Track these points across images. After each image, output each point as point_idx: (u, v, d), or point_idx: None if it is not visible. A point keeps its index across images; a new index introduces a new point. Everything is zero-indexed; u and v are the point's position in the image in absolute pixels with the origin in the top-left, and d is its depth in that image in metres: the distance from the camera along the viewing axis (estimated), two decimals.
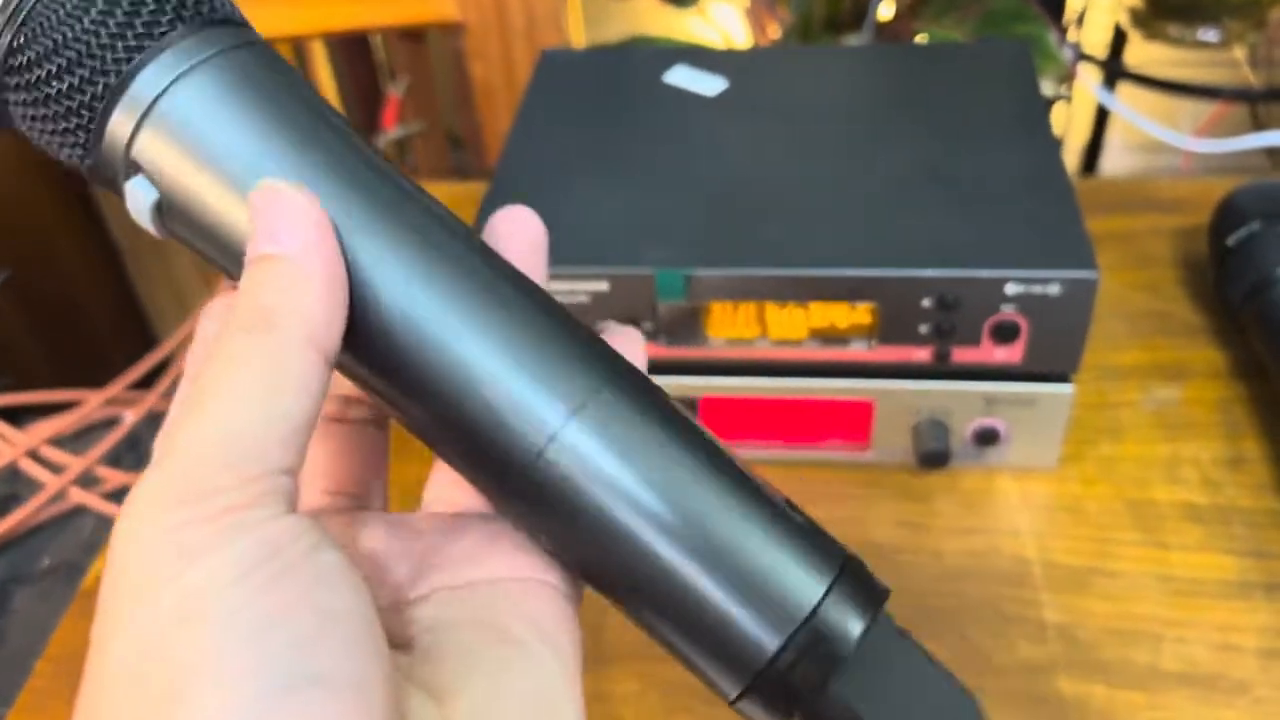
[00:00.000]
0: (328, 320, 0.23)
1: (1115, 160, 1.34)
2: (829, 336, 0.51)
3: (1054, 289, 0.48)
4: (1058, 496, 0.54)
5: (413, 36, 0.99)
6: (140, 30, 0.24)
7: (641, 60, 0.66)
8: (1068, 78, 0.93)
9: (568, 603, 0.26)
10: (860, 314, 0.50)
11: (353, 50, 1.10)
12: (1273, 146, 1.04)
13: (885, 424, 0.54)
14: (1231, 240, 0.60)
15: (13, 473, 0.66)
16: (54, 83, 0.24)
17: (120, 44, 0.24)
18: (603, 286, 0.51)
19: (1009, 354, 0.51)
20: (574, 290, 0.51)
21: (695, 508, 0.23)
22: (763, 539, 0.23)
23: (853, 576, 0.23)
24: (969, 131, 0.57)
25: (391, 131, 1.04)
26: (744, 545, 0.23)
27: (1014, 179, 0.53)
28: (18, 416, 0.69)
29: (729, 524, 0.23)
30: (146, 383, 0.74)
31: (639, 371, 0.25)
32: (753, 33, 1.04)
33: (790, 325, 0.51)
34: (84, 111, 0.24)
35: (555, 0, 0.87)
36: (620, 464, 0.23)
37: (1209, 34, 1.03)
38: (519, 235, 0.27)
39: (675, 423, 0.24)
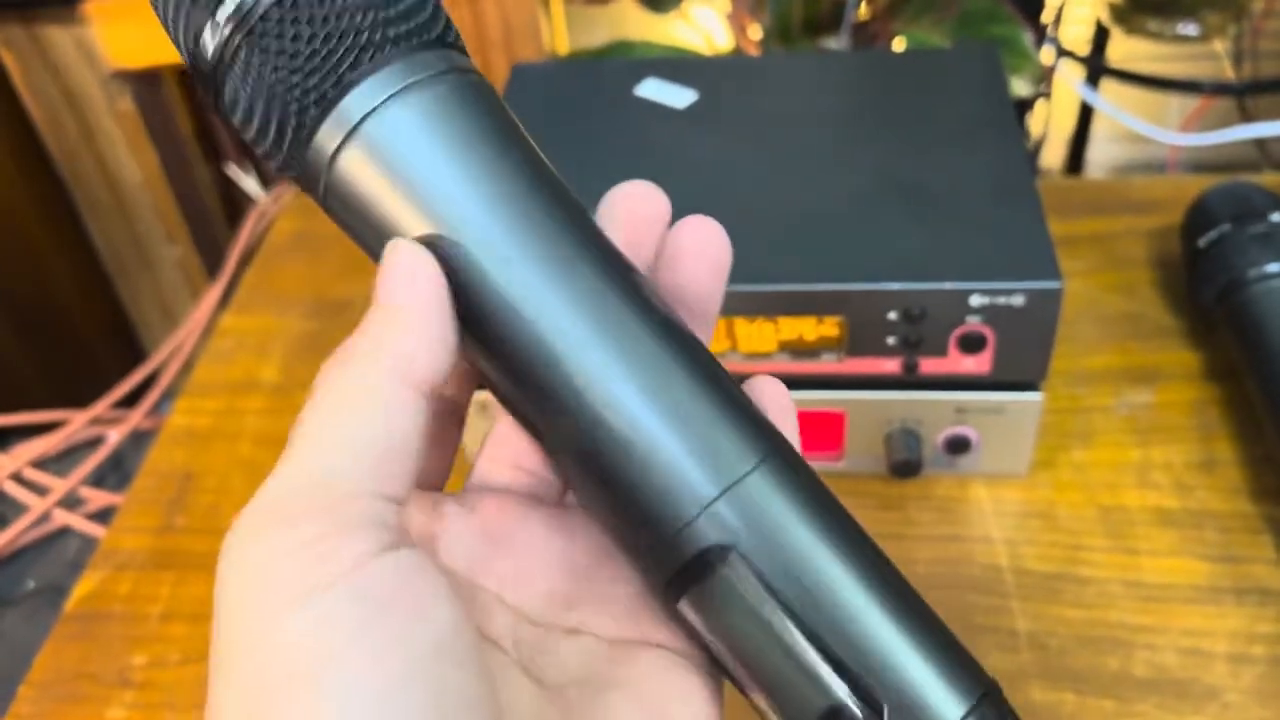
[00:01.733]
0: (415, 352, 0.23)
1: (1101, 154, 1.34)
2: (798, 349, 0.52)
3: (1018, 300, 0.48)
4: (1029, 503, 0.55)
5: None
6: (389, 38, 0.24)
7: (613, 73, 0.66)
8: (1045, 77, 0.93)
9: (719, 690, 0.26)
10: (828, 327, 0.51)
11: None
12: (1261, 138, 1.04)
13: (857, 434, 0.54)
14: (1202, 242, 0.60)
15: None
16: (307, 48, 0.24)
17: (366, 46, 0.24)
18: None
19: (977, 364, 0.51)
20: None
21: (851, 620, 0.23)
22: (916, 654, 0.23)
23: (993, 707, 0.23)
24: (937, 140, 0.57)
25: None
26: (898, 661, 0.23)
27: (980, 188, 0.53)
28: (2, 438, 0.70)
29: (886, 643, 0.23)
30: (132, 400, 0.75)
31: (791, 450, 0.25)
32: (734, 35, 1.04)
33: (759, 339, 0.52)
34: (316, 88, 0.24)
35: (532, 11, 0.87)
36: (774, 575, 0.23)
37: (1188, 28, 1.03)
38: (703, 254, 0.27)
39: (827, 514, 0.24)
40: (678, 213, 0.54)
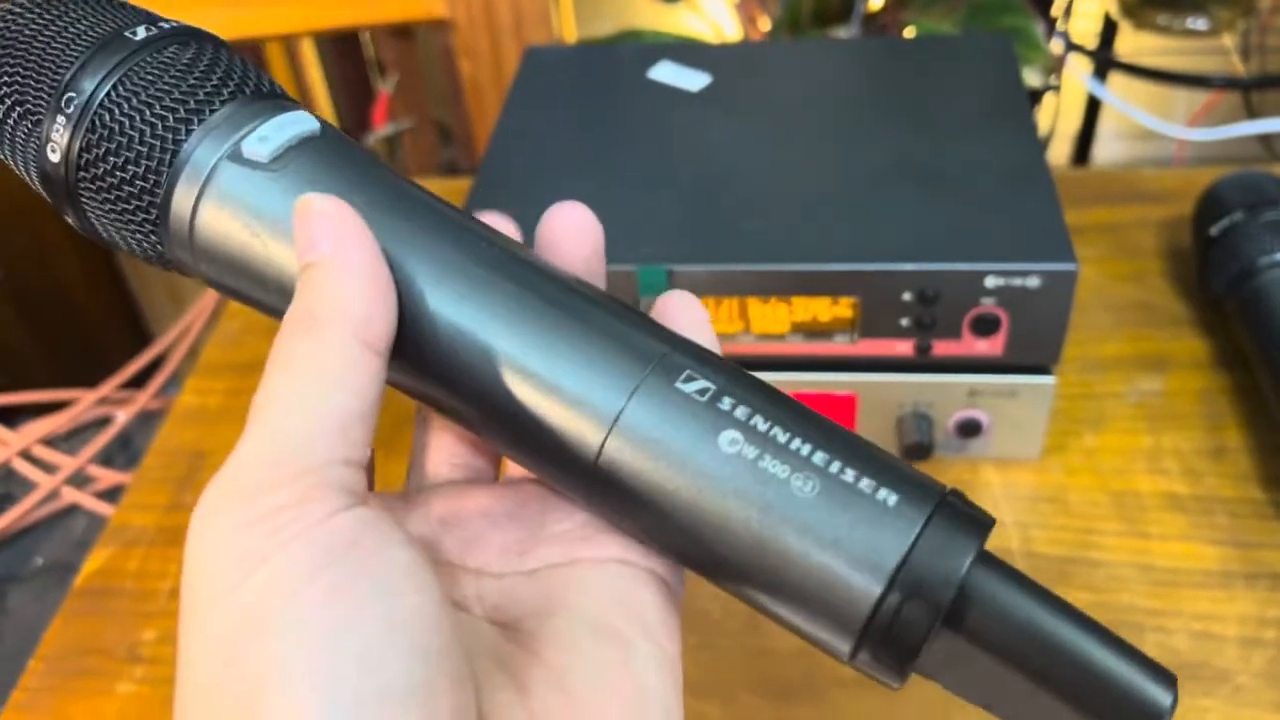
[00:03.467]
0: (369, 313, 0.23)
1: (1108, 148, 1.34)
2: (811, 331, 0.52)
3: (1033, 282, 0.48)
4: (1041, 487, 0.55)
5: (402, 34, 1.00)
6: (193, 107, 0.26)
7: (626, 56, 0.66)
8: (1056, 68, 0.93)
9: (672, 596, 0.26)
10: (842, 308, 0.51)
11: (342, 48, 1.10)
12: (1267, 134, 1.04)
13: (869, 416, 0.54)
14: (1214, 231, 0.60)
15: (6, 472, 0.66)
16: (120, 172, 0.26)
17: (176, 124, 0.26)
18: None
19: (990, 346, 0.51)
20: None
21: (776, 475, 0.22)
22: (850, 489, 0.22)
23: (951, 511, 0.22)
24: (950, 125, 0.57)
25: (382, 129, 1.04)
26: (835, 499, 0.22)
27: (994, 172, 0.53)
28: (11, 416, 0.70)
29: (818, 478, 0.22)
30: (139, 381, 0.75)
31: (689, 341, 0.25)
32: (743, 25, 1.04)
33: (773, 320, 0.52)
34: (151, 192, 0.26)
35: None
36: (681, 444, 0.23)
37: (1197, 22, 1.03)
38: (575, 239, 0.28)
39: (739, 378, 0.24)
40: (692, 195, 0.54)
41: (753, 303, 0.51)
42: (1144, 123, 0.99)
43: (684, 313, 0.27)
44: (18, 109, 0.27)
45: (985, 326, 0.50)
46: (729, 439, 0.23)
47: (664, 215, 0.53)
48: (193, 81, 0.26)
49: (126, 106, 0.26)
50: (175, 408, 0.64)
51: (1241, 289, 0.58)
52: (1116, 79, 1.15)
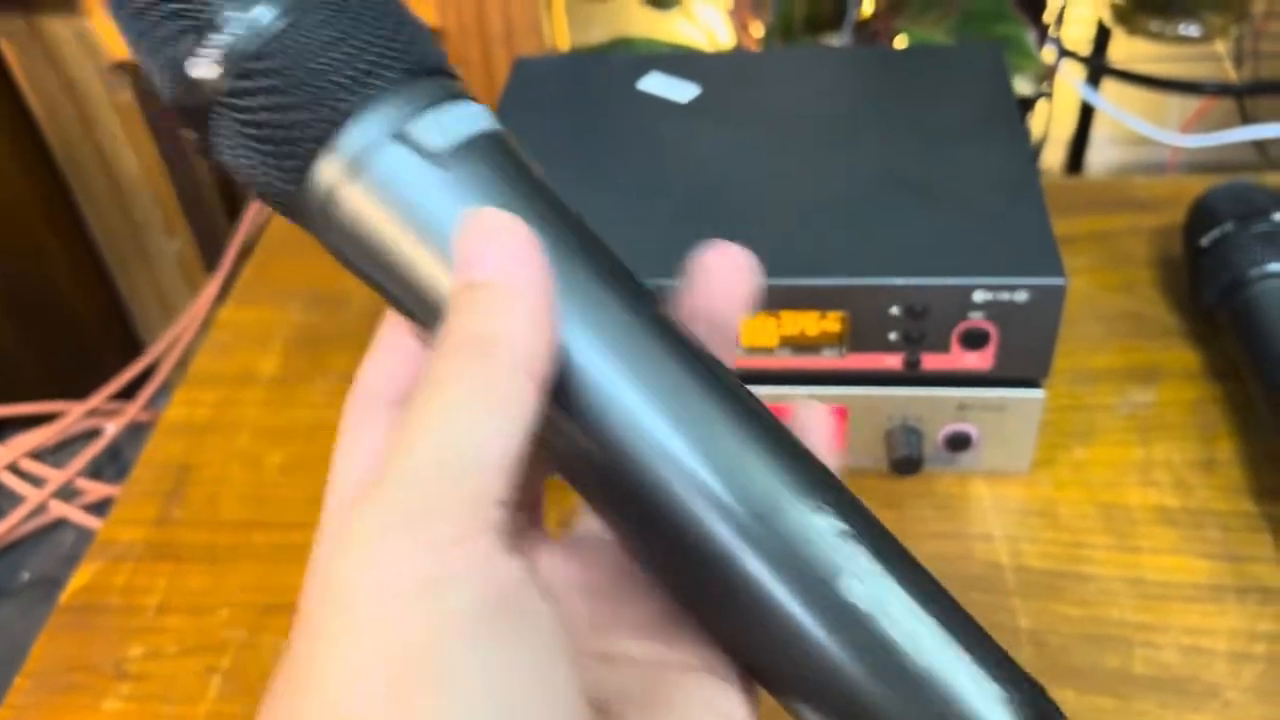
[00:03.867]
0: (538, 347, 0.22)
1: (1102, 155, 1.34)
2: (800, 344, 0.52)
3: (1021, 296, 0.48)
4: (1030, 500, 0.55)
5: None
6: (372, 64, 0.23)
7: (616, 67, 0.66)
8: (1048, 76, 0.93)
9: (754, 701, 0.25)
10: (830, 322, 0.50)
11: None
12: (1261, 140, 1.04)
13: (858, 430, 0.54)
14: (1205, 241, 0.60)
15: None
16: (275, 112, 0.23)
17: (352, 76, 0.23)
18: None
19: (979, 360, 0.51)
20: None
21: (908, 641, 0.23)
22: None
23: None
24: (940, 136, 0.57)
25: None
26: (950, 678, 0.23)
27: (984, 184, 0.53)
28: None
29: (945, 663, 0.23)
30: (130, 392, 0.74)
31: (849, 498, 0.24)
32: (736, 32, 1.04)
33: (761, 333, 0.51)
34: (299, 142, 0.24)
35: (535, 6, 0.87)
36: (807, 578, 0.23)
37: (1190, 29, 1.03)
38: (736, 289, 0.27)
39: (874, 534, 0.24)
40: (680, 208, 0.53)
41: None
42: (1137, 129, 0.99)
43: (813, 431, 0.26)
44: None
45: (974, 340, 0.50)
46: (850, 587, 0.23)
47: (651, 228, 0.53)
48: (380, 33, 0.24)
49: (306, 39, 0.23)
50: (163, 420, 0.64)
51: (1233, 300, 0.57)
52: (1110, 85, 1.15)
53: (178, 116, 0.25)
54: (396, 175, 0.23)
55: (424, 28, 0.25)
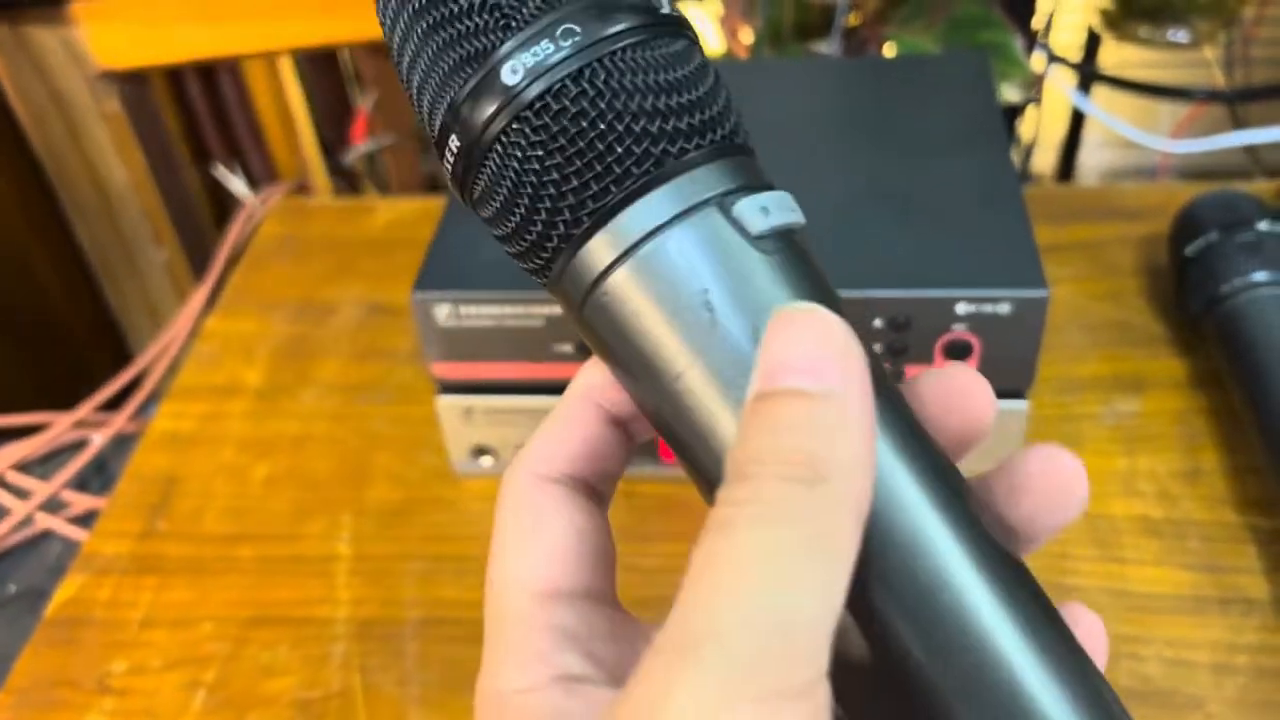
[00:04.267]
0: (869, 486, 0.19)
1: (1094, 158, 1.34)
2: None
3: (1004, 308, 0.48)
4: None
5: (380, 50, 0.99)
6: (692, 125, 0.22)
7: None
8: (1036, 83, 0.93)
9: None
10: None
11: (321, 65, 1.10)
12: (1251, 145, 1.04)
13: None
14: (1190, 250, 0.60)
15: None
16: (571, 158, 0.21)
17: (668, 132, 0.21)
18: (559, 310, 0.51)
19: None
20: (529, 315, 0.51)
21: None
22: None
23: None
24: (924, 147, 0.57)
25: (361, 145, 1.04)
26: None
27: (967, 196, 0.53)
28: None
29: None
30: (118, 402, 0.74)
31: None
32: (725, 39, 1.04)
33: None
34: (591, 197, 0.21)
35: None
36: None
37: (1179, 34, 1.03)
38: (1057, 496, 0.23)
39: None
40: None
41: None
42: (1127, 135, 0.99)
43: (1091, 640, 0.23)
44: (477, 17, 0.21)
45: (957, 352, 0.50)
46: None
47: None
48: (694, 96, 0.22)
49: (622, 83, 0.21)
50: (149, 432, 0.64)
51: (1217, 309, 0.57)
52: (1100, 91, 1.15)
53: (438, 145, 0.23)
54: (713, 243, 0.21)
55: (730, 97, 0.23)
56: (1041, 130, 1.12)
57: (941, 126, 0.59)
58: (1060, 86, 1.09)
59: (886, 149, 0.57)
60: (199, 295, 0.78)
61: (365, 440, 0.62)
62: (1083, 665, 0.21)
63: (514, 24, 0.21)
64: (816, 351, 0.19)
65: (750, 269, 0.21)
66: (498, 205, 0.23)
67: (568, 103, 0.21)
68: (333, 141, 1.08)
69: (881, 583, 0.20)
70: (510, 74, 0.21)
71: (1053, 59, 1.01)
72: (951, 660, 0.20)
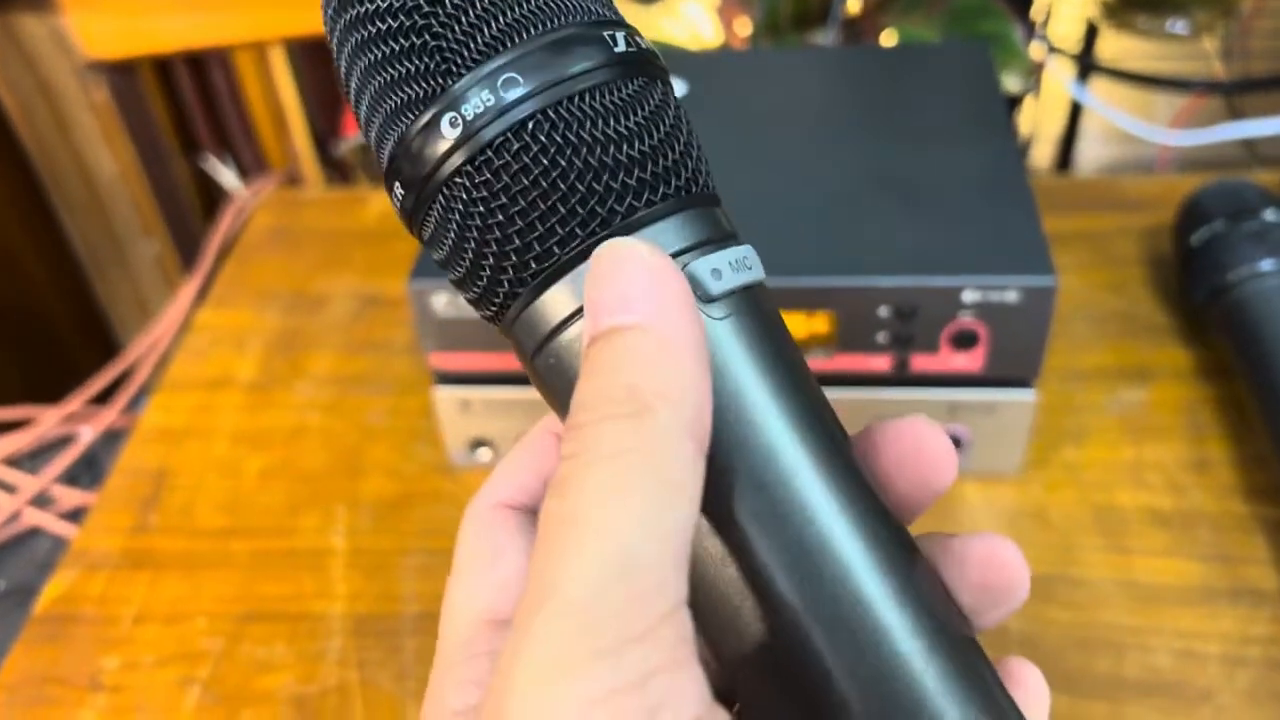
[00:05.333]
0: (701, 403, 0.18)
1: (1091, 151, 1.33)
2: None
3: (1012, 296, 0.48)
4: (1022, 502, 0.54)
5: None
6: (644, 179, 0.21)
7: None
8: (1035, 73, 0.92)
9: None
10: (818, 323, 0.50)
11: (312, 55, 1.09)
12: (1249, 137, 1.03)
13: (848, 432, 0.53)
14: (1195, 240, 0.59)
15: None
16: (519, 210, 0.20)
17: (626, 187, 0.20)
18: None
19: (969, 361, 0.50)
20: None
21: None
22: None
23: None
24: (928, 135, 0.56)
25: (354, 136, 1.03)
26: None
27: (972, 184, 0.53)
28: None
29: None
30: (106, 396, 0.73)
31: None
32: (722, 30, 1.03)
33: None
34: (539, 256, 0.21)
35: None
36: None
37: (1178, 26, 1.03)
38: (997, 595, 0.23)
39: None
40: None
41: None
42: (1126, 126, 0.98)
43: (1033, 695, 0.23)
44: (419, 59, 0.20)
45: (964, 341, 0.49)
46: None
47: None
48: (650, 145, 0.21)
49: (568, 136, 0.20)
50: (140, 426, 0.63)
51: (1223, 299, 0.57)
52: (1099, 82, 1.15)
53: (386, 180, 0.22)
54: None
55: (693, 137, 0.22)
56: (1039, 124, 1.12)
57: (945, 115, 0.58)
58: (1058, 78, 1.08)
59: (891, 138, 0.56)
60: (189, 287, 0.77)
61: (360, 433, 0.61)
62: (932, 591, 0.22)
63: (457, 65, 0.20)
64: (627, 286, 0.19)
65: (709, 339, 0.21)
66: (447, 250, 0.22)
67: (510, 157, 0.20)
68: (324, 132, 1.07)
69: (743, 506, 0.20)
70: (450, 125, 0.20)
71: (1052, 50, 1.00)
72: (819, 594, 0.20)
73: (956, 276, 0.47)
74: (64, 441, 0.69)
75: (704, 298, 0.21)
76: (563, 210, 0.20)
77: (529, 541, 0.24)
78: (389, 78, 0.21)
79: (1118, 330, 0.62)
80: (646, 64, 0.22)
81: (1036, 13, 0.98)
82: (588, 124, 0.20)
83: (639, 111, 0.21)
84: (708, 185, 0.23)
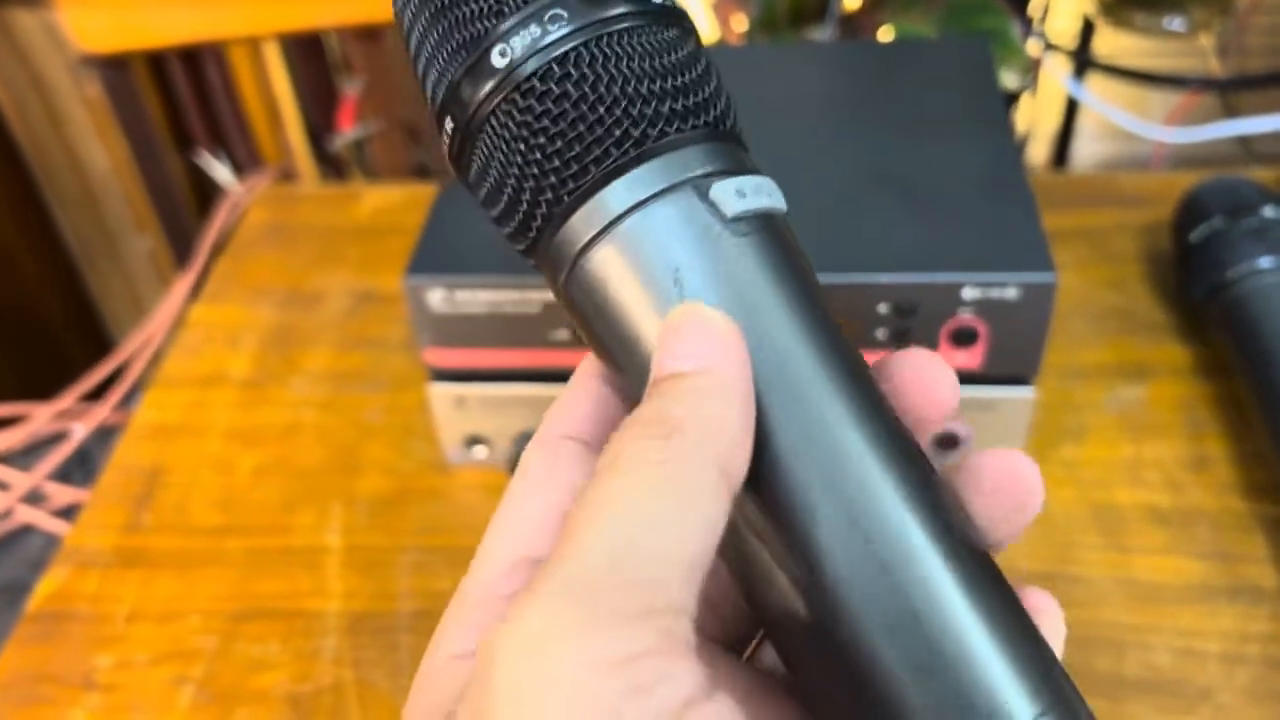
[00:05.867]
0: (735, 443, 0.20)
1: (1088, 148, 1.33)
2: None
3: (1011, 293, 0.47)
4: None
5: (368, 35, 0.98)
6: (681, 108, 0.22)
7: None
8: (1033, 69, 0.92)
9: None
10: None
11: (307, 50, 1.08)
12: (1244, 134, 1.03)
13: None
14: (1194, 236, 0.59)
15: None
16: (564, 131, 0.22)
17: (660, 114, 0.22)
18: (551, 296, 0.50)
19: (968, 359, 0.50)
20: (525, 300, 0.50)
21: None
22: None
23: None
24: (927, 132, 0.56)
25: (349, 132, 1.02)
26: None
27: (971, 180, 0.52)
28: None
29: None
30: (100, 393, 0.73)
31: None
32: (718, 25, 1.02)
33: None
34: (577, 175, 0.22)
35: None
36: None
37: (1175, 23, 1.03)
38: (1010, 507, 0.23)
39: None
40: None
41: None
42: (1121, 123, 0.98)
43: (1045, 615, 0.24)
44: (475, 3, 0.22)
45: (963, 338, 0.49)
46: None
47: None
48: (681, 82, 0.23)
49: (608, 67, 0.22)
50: (133, 422, 0.62)
51: (1222, 296, 0.57)
52: (1095, 79, 1.15)
53: (436, 122, 0.24)
54: (686, 224, 0.22)
55: (721, 85, 0.24)
56: (1035, 120, 1.11)
57: (944, 111, 0.58)
58: (1055, 74, 1.08)
59: (889, 134, 0.56)
60: (183, 283, 0.77)
61: (356, 430, 0.61)
62: (1012, 613, 0.22)
63: (508, 8, 0.22)
64: (696, 344, 0.21)
65: (721, 250, 0.22)
66: (490, 184, 0.23)
67: (553, 85, 0.22)
68: (319, 128, 1.07)
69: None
70: (500, 55, 0.22)
71: (1048, 46, 1.00)
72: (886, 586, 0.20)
73: (956, 273, 0.47)
74: (56, 438, 0.68)
75: (727, 216, 0.22)
76: (599, 131, 0.22)
77: (585, 476, 0.24)
78: (449, 22, 0.23)
79: (1116, 327, 0.62)
80: (680, 16, 0.24)
81: (1034, 9, 0.98)
82: (625, 60, 0.22)
83: (673, 53, 0.23)
84: (735, 128, 0.24)
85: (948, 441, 0.53)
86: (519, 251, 0.25)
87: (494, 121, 0.22)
